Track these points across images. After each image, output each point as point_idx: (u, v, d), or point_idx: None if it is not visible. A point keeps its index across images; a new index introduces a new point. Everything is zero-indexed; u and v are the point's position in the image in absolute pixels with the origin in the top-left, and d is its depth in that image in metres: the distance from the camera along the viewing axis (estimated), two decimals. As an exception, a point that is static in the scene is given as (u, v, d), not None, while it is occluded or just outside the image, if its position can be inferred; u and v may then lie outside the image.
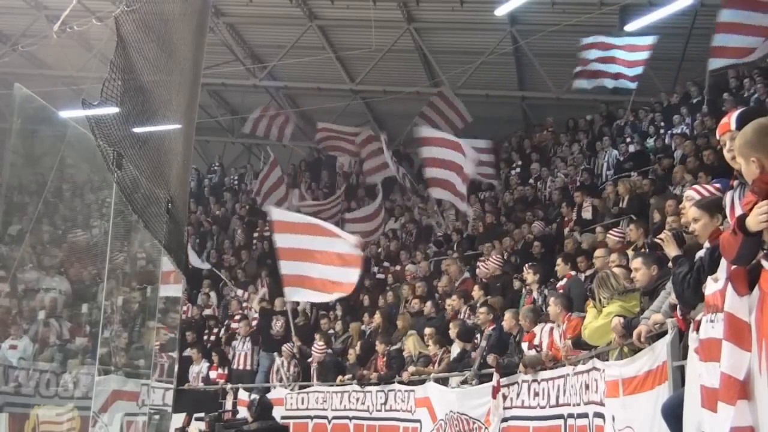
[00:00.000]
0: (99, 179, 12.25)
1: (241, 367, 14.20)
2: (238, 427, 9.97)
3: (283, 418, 12.53)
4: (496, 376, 8.63)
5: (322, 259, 11.99)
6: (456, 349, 10.59)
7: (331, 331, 14.13)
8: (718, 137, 3.93)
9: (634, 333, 5.84)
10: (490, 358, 8.90)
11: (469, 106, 20.13)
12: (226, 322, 15.53)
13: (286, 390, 12.98)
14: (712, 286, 3.66)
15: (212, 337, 15.33)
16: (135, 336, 11.61)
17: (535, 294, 10.48)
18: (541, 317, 9.06)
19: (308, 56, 18.55)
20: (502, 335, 9.50)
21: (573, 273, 10.10)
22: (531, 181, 16.69)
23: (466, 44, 18.41)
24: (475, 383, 9.49)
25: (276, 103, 21.89)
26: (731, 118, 3.80)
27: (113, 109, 6.17)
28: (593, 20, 16.21)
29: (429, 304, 12.56)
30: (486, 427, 8.79)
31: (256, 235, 19.07)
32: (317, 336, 13.37)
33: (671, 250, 4.94)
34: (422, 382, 10.66)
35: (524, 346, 8.81)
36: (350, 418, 11.71)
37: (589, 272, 9.95)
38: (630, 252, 8.85)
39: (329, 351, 13.09)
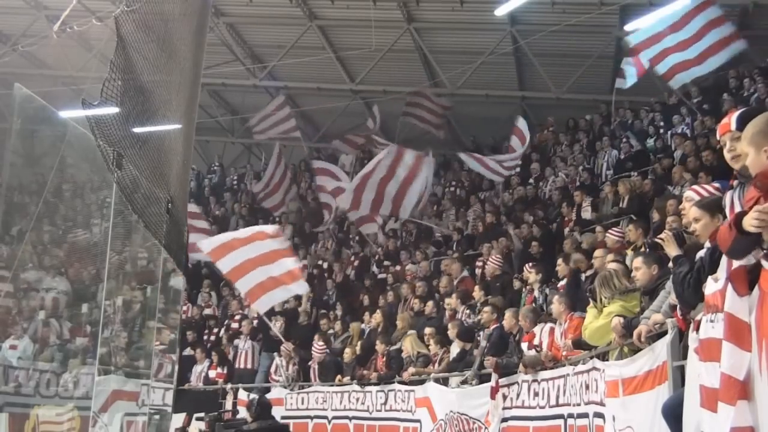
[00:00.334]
0: (99, 179, 12.23)
1: (242, 366, 14.21)
2: (237, 427, 9.96)
3: (283, 418, 12.53)
4: (494, 377, 8.63)
5: (260, 261, 12.33)
6: (455, 349, 10.59)
7: (331, 331, 14.14)
8: (718, 137, 3.93)
9: (634, 333, 5.84)
10: (489, 361, 8.88)
11: (469, 106, 20.16)
12: (226, 321, 15.54)
13: (286, 390, 12.98)
14: (712, 286, 3.65)
15: (212, 337, 15.34)
16: (135, 336, 11.60)
17: (536, 293, 10.48)
18: (541, 317, 9.06)
19: (308, 56, 18.56)
20: (503, 335, 9.50)
21: (573, 273, 10.09)
22: (531, 181, 16.69)
23: (466, 44, 18.42)
24: (475, 383, 9.49)
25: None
26: (732, 119, 3.80)
27: (113, 109, 6.17)
28: (593, 20, 16.22)
29: (430, 304, 12.56)
30: (486, 427, 8.79)
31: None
32: (317, 336, 13.38)
33: (672, 250, 4.94)
34: (422, 382, 10.66)
35: (524, 346, 8.81)
36: (350, 418, 11.71)
37: (589, 272, 9.94)
38: (629, 252, 8.86)
39: (329, 351, 13.10)
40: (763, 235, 3.15)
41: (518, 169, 17.45)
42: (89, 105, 6.00)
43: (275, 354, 13.80)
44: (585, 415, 7.02)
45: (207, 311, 16.49)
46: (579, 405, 7.17)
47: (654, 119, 16.26)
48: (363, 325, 13.50)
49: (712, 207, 4.42)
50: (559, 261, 10.37)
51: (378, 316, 13.01)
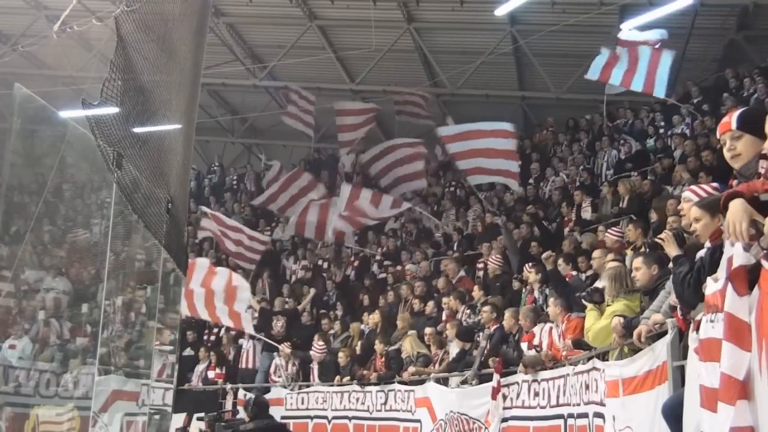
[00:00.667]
0: (99, 179, 12.24)
1: (245, 366, 14.23)
2: (235, 426, 9.96)
3: (283, 418, 12.54)
4: (496, 377, 8.62)
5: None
6: (455, 349, 10.59)
7: (332, 331, 14.14)
8: (718, 136, 3.92)
9: (634, 333, 5.84)
10: (493, 361, 8.84)
11: (469, 106, 20.15)
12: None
13: (286, 390, 12.99)
14: (712, 286, 3.65)
15: (212, 337, 15.34)
16: (135, 336, 11.61)
17: (536, 293, 10.48)
18: (540, 317, 9.06)
19: (308, 56, 18.56)
20: (503, 335, 9.50)
21: (574, 273, 10.09)
22: (531, 181, 16.70)
23: (466, 44, 18.42)
24: (475, 383, 9.49)
25: (276, 103, 21.92)
26: (732, 118, 3.79)
27: (113, 109, 6.17)
28: (593, 20, 16.21)
29: (431, 304, 12.56)
30: (486, 427, 8.79)
31: (256, 235, 19.05)
32: (317, 336, 13.39)
33: (672, 250, 4.94)
34: (422, 382, 10.66)
35: (524, 346, 8.81)
36: (350, 418, 11.72)
37: (589, 272, 9.94)
38: (629, 252, 8.85)
39: (328, 351, 13.11)
40: (761, 241, 3.15)
41: (518, 170, 17.48)
42: (89, 105, 6.00)
43: (275, 354, 13.80)
44: (585, 415, 7.02)
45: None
46: (579, 405, 7.17)
47: (654, 119, 16.25)
48: (362, 326, 13.50)
49: (713, 207, 4.41)
50: (560, 261, 10.38)
51: (376, 316, 13.01)
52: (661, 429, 4.91)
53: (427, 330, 11.29)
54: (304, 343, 13.74)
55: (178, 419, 12.20)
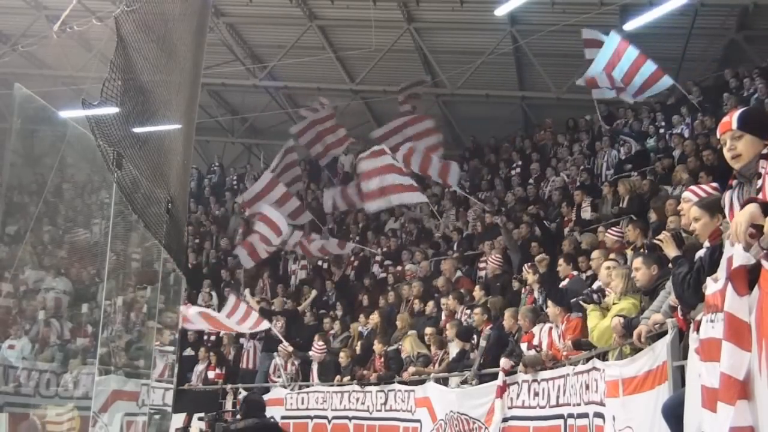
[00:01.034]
0: (99, 179, 12.25)
1: (246, 366, 14.23)
2: (227, 426, 9.95)
3: (283, 418, 12.55)
4: (501, 376, 8.60)
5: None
6: (455, 348, 10.59)
7: (332, 331, 14.15)
8: (718, 136, 3.92)
9: (634, 333, 5.84)
10: (504, 362, 8.79)
11: (469, 106, 20.16)
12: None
13: (286, 390, 12.99)
14: (712, 287, 3.65)
15: (212, 337, 15.35)
16: (135, 336, 11.61)
17: (536, 294, 10.47)
18: (540, 317, 9.05)
19: (308, 56, 18.55)
20: (501, 335, 9.50)
21: (575, 273, 10.07)
22: (531, 181, 16.70)
23: (466, 44, 18.41)
24: (475, 383, 9.49)
25: (276, 103, 21.92)
26: (732, 117, 3.79)
27: (113, 109, 6.17)
28: (593, 20, 16.20)
29: (431, 304, 12.56)
30: (486, 427, 8.79)
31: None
32: (317, 336, 13.40)
33: (670, 251, 4.94)
34: (422, 382, 10.66)
35: (523, 346, 8.81)
36: (350, 418, 11.71)
37: (589, 272, 9.93)
38: (629, 252, 8.85)
39: (328, 351, 13.11)
40: (761, 241, 3.16)
41: (518, 170, 17.51)
42: (89, 105, 6.01)
43: (274, 354, 13.81)
44: (585, 415, 7.02)
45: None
46: (579, 405, 7.17)
47: (655, 119, 16.25)
48: (360, 327, 13.50)
49: (712, 207, 4.42)
50: (561, 261, 10.34)
51: (375, 316, 13.01)
52: (661, 429, 4.91)
53: (427, 330, 11.29)
54: (305, 343, 13.74)
55: (178, 419, 12.20)
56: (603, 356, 6.90)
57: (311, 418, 12.36)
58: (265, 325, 13.64)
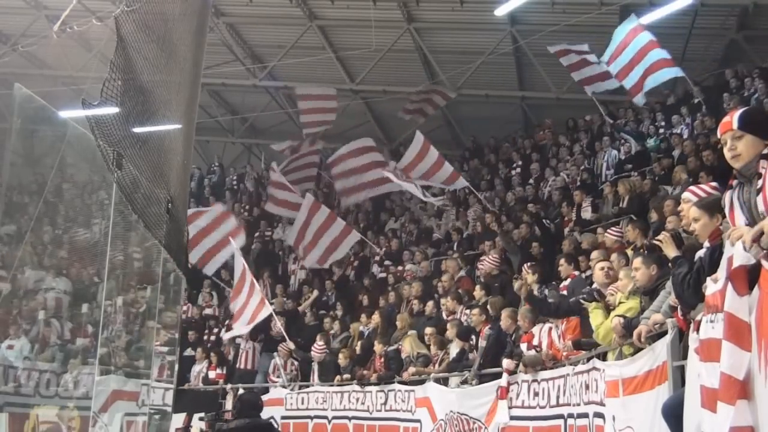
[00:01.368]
0: (99, 179, 12.25)
1: (243, 366, 14.21)
2: (221, 425, 9.94)
3: (283, 418, 12.54)
4: (505, 376, 8.59)
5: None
6: (455, 348, 10.58)
7: (332, 331, 14.14)
8: (719, 136, 3.92)
9: (634, 333, 5.83)
10: (507, 362, 8.77)
11: (469, 106, 20.16)
12: (226, 322, 15.54)
13: (286, 390, 12.99)
14: (711, 287, 3.65)
15: (212, 337, 15.34)
16: (135, 336, 11.61)
17: (535, 294, 10.45)
18: (540, 317, 9.04)
19: (308, 56, 18.57)
20: (501, 335, 9.49)
21: (577, 273, 10.06)
22: (531, 181, 16.70)
23: (466, 44, 18.42)
24: (475, 383, 9.49)
25: (276, 103, 21.92)
26: (733, 117, 3.79)
27: (113, 109, 6.17)
28: (593, 20, 16.22)
29: (430, 304, 12.56)
30: (486, 427, 8.79)
31: (256, 235, 19.07)
32: (319, 336, 13.40)
33: (670, 251, 4.94)
34: (422, 382, 10.65)
35: (523, 346, 8.80)
36: (350, 418, 11.71)
37: (590, 272, 9.92)
38: (629, 252, 8.84)
39: (328, 351, 13.11)
40: (761, 241, 3.16)
41: (518, 170, 17.51)
42: (89, 105, 6.01)
43: (274, 354, 13.80)
44: (585, 415, 7.01)
45: (207, 311, 16.49)
46: (579, 405, 7.17)
47: (655, 119, 16.26)
48: (361, 327, 13.50)
49: (712, 207, 4.42)
50: (562, 261, 10.33)
51: (376, 316, 13.01)
52: (661, 429, 4.91)
53: (428, 330, 11.28)
54: (305, 343, 13.73)
55: (178, 419, 12.19)
56: (603, 356, 6.90)
57: (311, 418, 12.36)
58: (266, 311, 13.70)
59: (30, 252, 12.36)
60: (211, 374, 14.16)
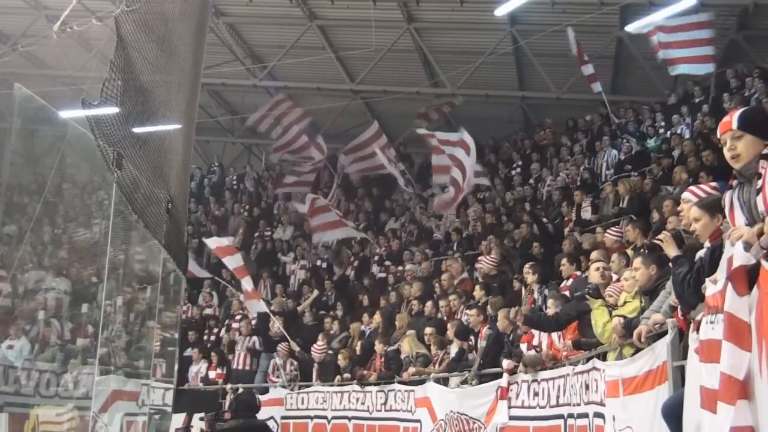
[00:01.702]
0: (99, 179, 12.25)
1: (240, 367, 14.20)
2: (218, 426, 9.93)
3: (283, 418, 12.55)
4: (506, 377, 8.59)
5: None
6: (454, 348, 10.58)
7: (332, 331, 14.14)
8: (719, 136, 3.92)
9: (634, 333, 5.83)
10: (507, 363, 8.78)
11: (469, 106, 20.15)
12: (227, 321, 15.54)
13: (286, 390, 12.99)
14: (711, 288, 3.65)
15: (212, 337, 15.34)
16: (135, 336, 11.60)
17: (535, 294, 10.46)
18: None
19: (308, 56, 18.55)
20: (500, 335, 9.49)
21: (579, 273, 10.04)
22: (531, 181, 16.69)
23: (466, 44, 18.41)
24: (475, 383, 9.49)
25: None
26: (733, 117, 3.79)
27: (113, 109, 6.17)
28: (593, 20, 16.21)
29: (430, 304, 12.56)
30: (485, 427, 8.79)
31: (256, 235, 19.08)
32: (321, 336, 13.41)
33: (671, 251, 4.94)
34: (422, 382, 10.65)
35: (523, 347, 8.80)
36: (350, 418, 11.71)
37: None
38: (629, 252, 8.84)
39: (328, 351, 13.10)
40: (761, 241, 3.16)
41: (518, 170, 17.52)
42: (89, 105, 6.01)
43: (274, 354, 13.80)
44: (585, 415, 7.01)
45: (207, 311, 16.49)
46: (579, 405, 7.16)
47: (655, 119, 16.26)
48: (362, 327, 13.50)
49: (712, 207, 4.42)
50: (564, 261, 10.30)
51: (377, 316, 13.00)
52: (661, 429, 4.91)
53: (428, 330, 11.27)
54: (304, 343, 13.72)
55: (178, 419, 12.19)
56: (603, 356, 6.90)
57: (311, 418, 12.36)
58: (259, 306, 13.93)
59: (30, 252, 12.36)
60: (211, 374, 14.14)
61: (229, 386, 13.46)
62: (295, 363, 13.49)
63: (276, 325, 13.92)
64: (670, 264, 5.09)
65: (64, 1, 11.92)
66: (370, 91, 20.66)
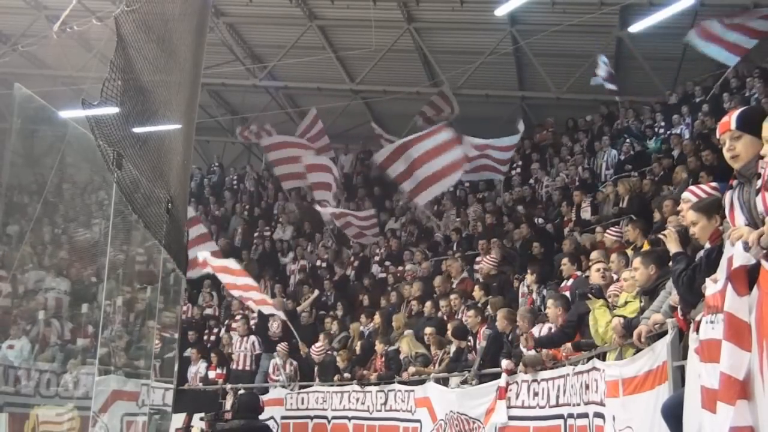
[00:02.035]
0: (99, 179, 12.25)
1: (240, 367, 14.20)
2: (219, 426, 9.95)
3: (283, 418, 12.55)
4: (504, 377, 8.59)
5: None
6: (453, 348, 10.58)
7: (332, 331, 14.14)
8: (718, 136, 3.92)
9: (634, 333, 5.83)
10: (507, 363, 8.77)
11: (469, 106, 20.14)
12: (226, 321, 15.53)
13: (286, 390, 12.99)
14: (711, 288, 3.65)
15: (212, 337, 15.33)
16: (135, 336, 11.60)
17: (534, 295, 10.46)
18: (539, 317, 9.04)
19: (308, 56, 18.56)
20: (499, 334, 9.49)
21: (579, 273, 10.05)
22: (531, 181, 16.69)
23: (466, 44, 18.42)
24: (474, 383, 9.49)
25: (276, 103, 21.90)
26: (732, 117, 3.80)
27: (113, 109, 6.17)
28: (593, 20, 16.22)
29: (429, 304, 12.55)
30: (484, 427, 8.79)
31: (256, 235, 19.07)
32: (322, 336, 13.41)
33: (672, 246, 4.92)
34: (422, 382, 10.65)
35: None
36: (350, 418, 11.71)
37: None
38: (629, 252, 8.84)
39: (329, 351, 13.10)
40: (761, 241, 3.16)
41: (518, 170, 17.50)
42: (89, 105, 6.00)
43: (274, 354, 13.80)
44: (585, 415, 7.01)
45: (207, 311, 16.49)
46: (579, 405, 7.16)
47: (655, 119, 16.27)
48: (362, 327, 13.49)
49: (709, 209, 4.41)
50: (564, 261, 10.30)
51: (377, 317, 13.00)
52: (661, 429, 4.91)
53: (427, 330, 11.27)
54: (307, 343, 13.71)
55: (178, 419, 12.19)
56: (603, 356, 6.90)
57: (311, 418, 12.36)
58: (267, 308, 13.66)
59: (30, 252, 12.35)
60: (211, 374, 14.14)
61: (229, 386, 13.46)
62: (295, 363, 13.48)
63: (275, 325, 13.93)
64: (670, 262, 5.08)
65: (64, 1, 11.93)
66: (370, 91, 20.67)
